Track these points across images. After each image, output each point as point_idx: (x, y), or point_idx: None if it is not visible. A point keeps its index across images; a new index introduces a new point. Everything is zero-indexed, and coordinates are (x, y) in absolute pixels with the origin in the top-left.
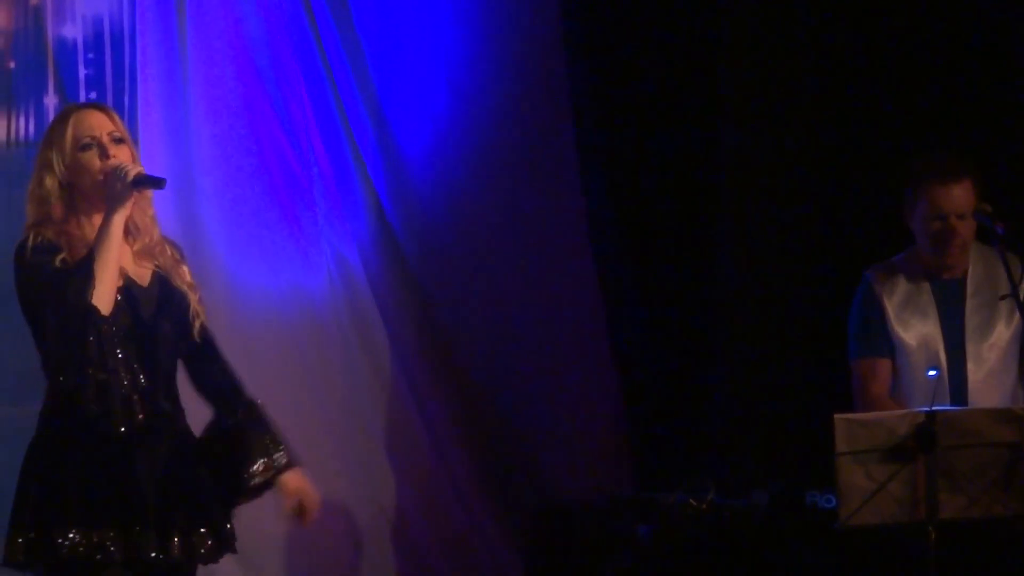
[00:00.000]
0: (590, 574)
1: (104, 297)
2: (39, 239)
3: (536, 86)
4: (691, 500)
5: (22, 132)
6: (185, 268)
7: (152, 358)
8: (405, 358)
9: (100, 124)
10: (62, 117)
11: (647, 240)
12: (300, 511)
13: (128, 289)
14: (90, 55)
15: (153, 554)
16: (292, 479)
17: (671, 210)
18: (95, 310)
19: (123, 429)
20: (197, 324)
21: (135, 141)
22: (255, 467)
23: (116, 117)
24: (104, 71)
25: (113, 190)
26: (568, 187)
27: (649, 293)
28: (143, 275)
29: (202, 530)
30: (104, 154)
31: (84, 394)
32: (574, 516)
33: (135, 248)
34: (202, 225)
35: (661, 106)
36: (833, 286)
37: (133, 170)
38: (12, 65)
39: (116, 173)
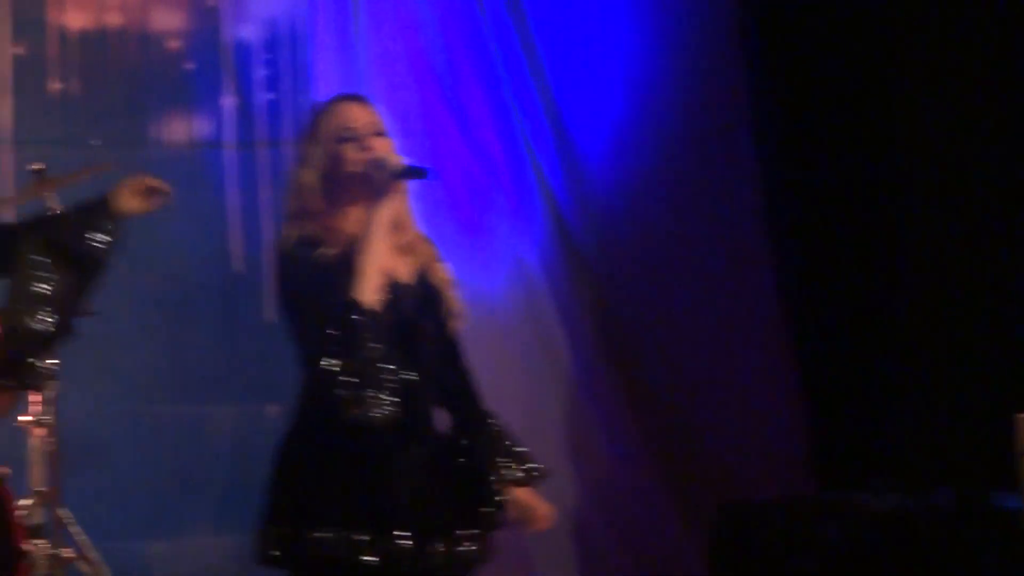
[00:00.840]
0: (773, 574)
1: (368, 291)
2: (300, 232)
3: (714, 84)
4: (875, 499)
5: (200, 133)
6: (441, 265)
7: (414, 355)
8: (584, 359)
9: (360, 116)
10: (322, 110)
11: (827, 237)
12: (525, 522)
13: (390, 286)
14: (267, 56)
15: (409, 560)
16: (522, 494)
17: (852, 207)
18: (359, 304)
19: (379, 420)
20: (452, 323)
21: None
22: (491, 479)
23: (376, 110)
24: (281, 72)
25: (376, 182)
26: (746, 186)
27: (829, 291)
28: (404, 271)
29: (463, 537)
30: (364, 146)
31: (342, 384)
32: (757, 515)
33: (396, 243)
34: None
35: (842, 101)
36: (1017, 284)
37: (396, 161)
38: (190, 67)
39: (379, 164)
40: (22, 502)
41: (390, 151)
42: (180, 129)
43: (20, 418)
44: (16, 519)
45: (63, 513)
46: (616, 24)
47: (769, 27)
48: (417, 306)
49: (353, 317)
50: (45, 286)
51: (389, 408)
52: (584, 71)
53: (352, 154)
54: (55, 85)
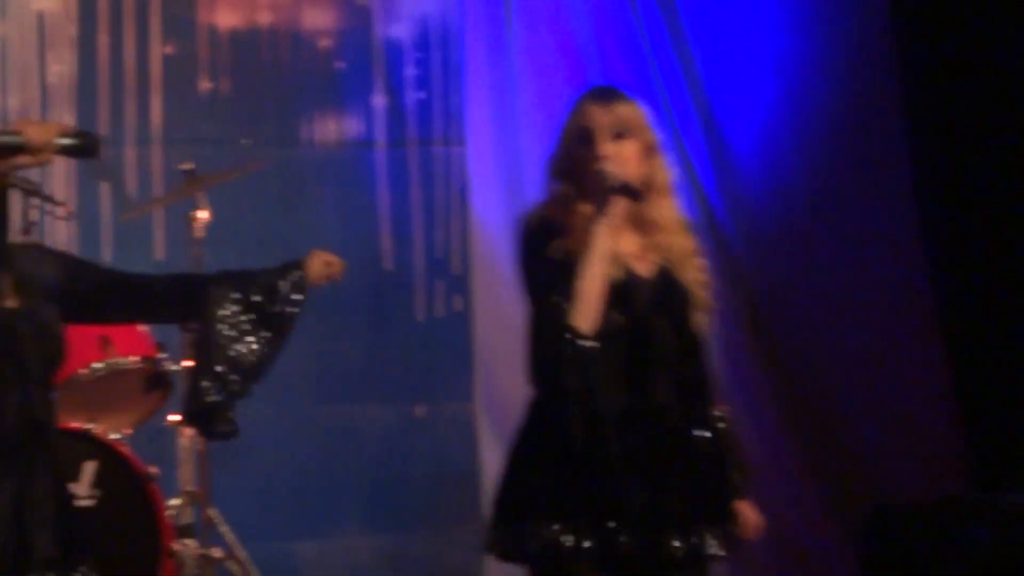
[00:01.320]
0: None
1: (585, 318)
2: (544, 214)
3: (864, 76)
4: None
5: (350, 132)
6: (699, 261)
7: (644, 354)
8: (733, 355)
9: (598, 117)
10: (576, 102)
11: (982, 234)
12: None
13: (626, 282)
14: (418, 55)
15: (638, 557)
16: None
17: (1006, 203)
18: (574, 330)
19: (600, 446)
20: (694, 320)
21: (460, 140)
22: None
23: (625, 108)
24: (432, 70)
25: (596, 193)
26: (898, 184)
27: (984, 288)
28: (646, 267)
29: (704, 532)
30: (593, 153)
31: (564, 416)
32: (909, 517)
33: (645, 241)
34: None
35: (996, 93)
36: None
37: (614, 178)
38: (340, 65)
39: (598, 175)
40: (171, 502)
41: (633, 157)
42: (330, 128)
43: (169, 418)
44: (165, 519)
45: (212, 513)
46: (766, 17)
47: (920, 16)
48: (652, 304)
49: (566, 344)
50: (235, 335)
51: (602, 431)
52: (734, 66)
53: (582, 158)
54: (205, 85)
